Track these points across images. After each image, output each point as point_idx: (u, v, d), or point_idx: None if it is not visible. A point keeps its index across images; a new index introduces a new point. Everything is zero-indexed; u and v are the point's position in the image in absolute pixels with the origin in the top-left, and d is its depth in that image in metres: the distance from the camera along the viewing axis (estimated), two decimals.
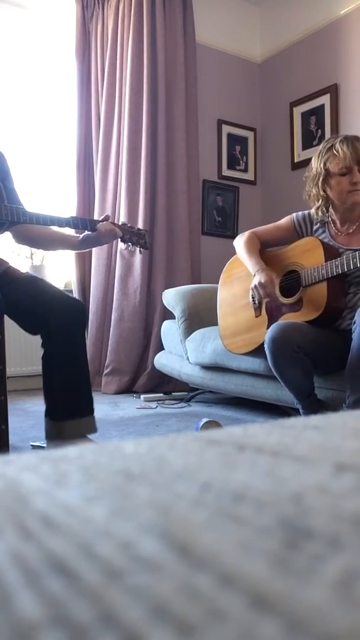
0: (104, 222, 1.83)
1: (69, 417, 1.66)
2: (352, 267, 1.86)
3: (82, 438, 1.68)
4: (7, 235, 1.83)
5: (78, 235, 1.86)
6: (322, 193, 2.02)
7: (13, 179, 1.83)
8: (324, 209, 2.07)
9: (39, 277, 1.81)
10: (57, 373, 1.65)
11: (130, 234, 1.91)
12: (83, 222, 1.79)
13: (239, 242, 2.25)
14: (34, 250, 3.44)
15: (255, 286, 2.05)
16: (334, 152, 1.96)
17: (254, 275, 2.08)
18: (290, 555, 0.20)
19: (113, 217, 3.40)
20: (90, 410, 1.71)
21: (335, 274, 1.90)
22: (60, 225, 1.76)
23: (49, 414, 1.68)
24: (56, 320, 1.63)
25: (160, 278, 3.42)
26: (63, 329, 1.64)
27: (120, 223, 1.91)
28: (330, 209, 2.08)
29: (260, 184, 4.24)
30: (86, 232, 1.82)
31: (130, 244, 1.91)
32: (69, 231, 1.86)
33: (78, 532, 0.23)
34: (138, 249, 1.95)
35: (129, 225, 1.98)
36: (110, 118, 3.51)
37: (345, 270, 1.87)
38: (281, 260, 2.15)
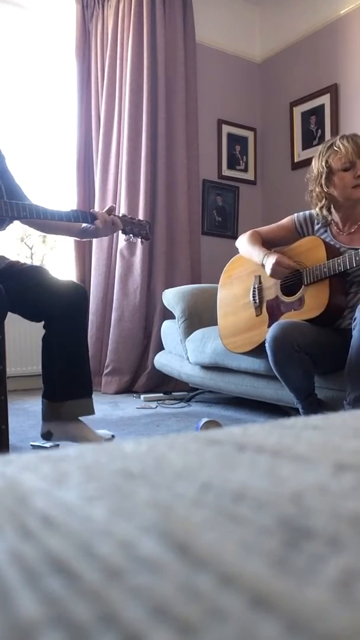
0: (102, 213, 1.82)
1: (66, 398, 1.67)
2: (354, 265, 1.86)
3: (77, 422, 1.68)
4: (6, 232, 1.83)
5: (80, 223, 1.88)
6: (325, 190, 2.02)
7: (13, 176, 1.83)
8: (327, 209, 2.07)
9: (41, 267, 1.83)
10: (57, 354, 1.67)
11: (131, 225, 1.91)
12: (83, 215, 1.80)
13: (242, 240, 2.26)
14: (34, 250, 3.44)
15: (272, 267, 2.02)
16: (335, 148, 1.97)
17: (262, 262, 2.08)
18: (290, 555, 0.20)
19: None
20: (89, 393, 1.71)
21: (336, 271, 1.90)
22: (60, 219, 1.76)
23: (46, 395, 1.69)
24: (60, 303, 1.65)
25: (160, 278, 3.42)
26: (66, 312, 1.66)
27: (120, 215, 1.91)
28: (332, 209, 2.08)
29: (260, 184, 4.24)
30: (85, 224, 1.83)
31: (131, 235, 1.91)
32: None
33: (78, 532, 0.23)
34: (140, 240, 1.95)
35: (129, 216, 1.98)
36: (110, 118, 3.51)
37: (347, 267, 1.88)
38: None
